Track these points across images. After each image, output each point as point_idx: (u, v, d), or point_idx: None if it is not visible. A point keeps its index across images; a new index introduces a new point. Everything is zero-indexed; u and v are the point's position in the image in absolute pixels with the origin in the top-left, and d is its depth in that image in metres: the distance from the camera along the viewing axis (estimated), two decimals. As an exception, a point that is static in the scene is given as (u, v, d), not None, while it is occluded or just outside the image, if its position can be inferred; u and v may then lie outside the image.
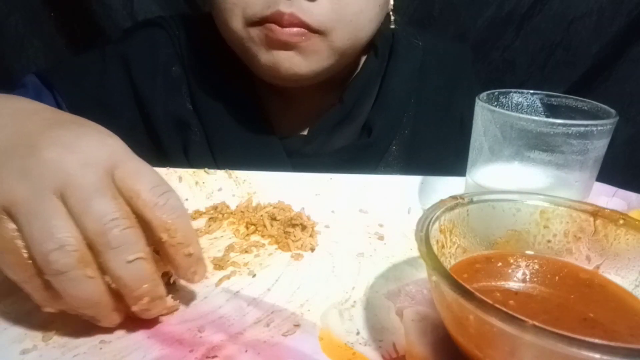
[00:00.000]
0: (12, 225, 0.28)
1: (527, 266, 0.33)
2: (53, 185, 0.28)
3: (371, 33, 0.58)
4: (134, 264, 0.28)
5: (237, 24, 0.54)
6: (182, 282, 0.36)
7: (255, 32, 0.53)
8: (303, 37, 0.52)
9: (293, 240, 0.41)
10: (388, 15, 0.62)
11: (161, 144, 0.62)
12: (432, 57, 0.69)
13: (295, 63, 0.54)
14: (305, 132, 0.65)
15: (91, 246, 0.28)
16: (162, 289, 0.30)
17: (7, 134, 0.30)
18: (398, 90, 0.66)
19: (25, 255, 0.28)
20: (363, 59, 0.66)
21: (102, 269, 0.29)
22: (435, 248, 0.28)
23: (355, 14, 0.54)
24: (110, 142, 0.31)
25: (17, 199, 0.28)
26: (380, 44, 0.65)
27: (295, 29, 0.51)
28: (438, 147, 0.67)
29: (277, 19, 0.51)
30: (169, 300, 0.32)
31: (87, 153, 0.29)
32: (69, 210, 0.28)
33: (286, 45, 0.53)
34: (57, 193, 0.28)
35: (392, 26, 0.64)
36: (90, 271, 0.28)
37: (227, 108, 0.62)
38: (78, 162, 0.29)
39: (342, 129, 0.64)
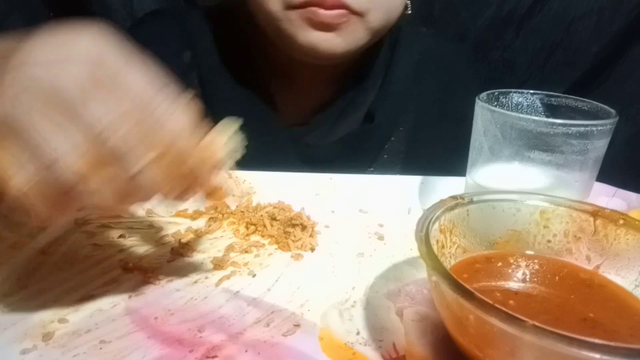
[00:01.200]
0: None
1: (527, 266, 0.33)
2: (36, 99, 0.25)
3: (398, 15, 0.59)
4: (143, 173, 0.26)
5: (275, 6, 0.54)
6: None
7: (294, 14, 0.54)
8: (344, 19, 0.53)
9: (293, 240, 0.41)
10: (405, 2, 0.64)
11: None
12: (431, 54, 0.70)
13: (334, 44, 0.55)
14: (308, 121, 0.66)
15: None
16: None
17: None
18: (401, 81, 0.68)
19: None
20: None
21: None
22: (435, 248, 0.28)
23: None
24: (90, 34, 0.27)
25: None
26: (389, 36, 0.66)
27: (337, 11, 0.53)
28: (437, 143, 0.68)
29: (320, 1, 0.52)
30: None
31: (65, 52, 0.26)
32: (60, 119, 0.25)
33: (327, 27, 0.54)
34: (44, 105, 0.25)
35: (409, 11, 0.65)
36: (95, 180, 0.26)
37: (235, 96, 0.63)
38: (54, 66, 0.26)
39: (345, 118, 0.65)
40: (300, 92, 0.66)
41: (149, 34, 0.65)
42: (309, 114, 0.66)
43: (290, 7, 0.54)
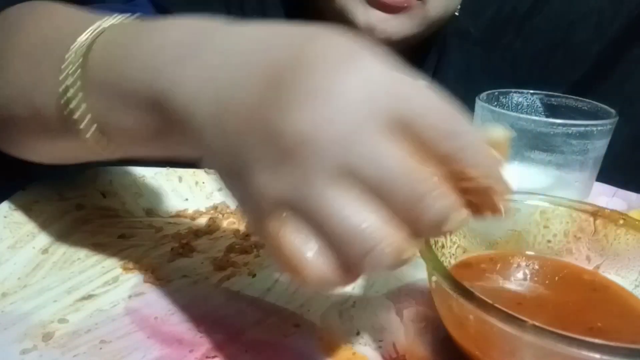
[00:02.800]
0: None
1: (527, 266, 0.33)
2: (328, 169, 0.20)
3: (455, 10, 0.59)
4: (452, 223, 0.22)
5: None
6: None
7: None
8: (406, 5, 0.53)
9: (293, 240, 0.41)
10: None
11: None
12: (478, 63, 0.70)
13: (390, 25, 0.54)
14: None
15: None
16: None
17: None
18: (451, 87, 0.65)
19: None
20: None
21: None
22: (435, 248, 0.28)
23: None
24: (359, 77, 0.20)
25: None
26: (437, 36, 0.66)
27: None
28: None
29: None
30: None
31: (350, 111, 0.20)
32: (363, 188, 0.20)
33: (389, 9, 0.54)
34: (338, 178, 0.20)
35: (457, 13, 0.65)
36: (408, 252, 0.21)
37: None
38: (343, 132, 0.20)
39: None
40: None
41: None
42: None
43: None
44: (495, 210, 0.23)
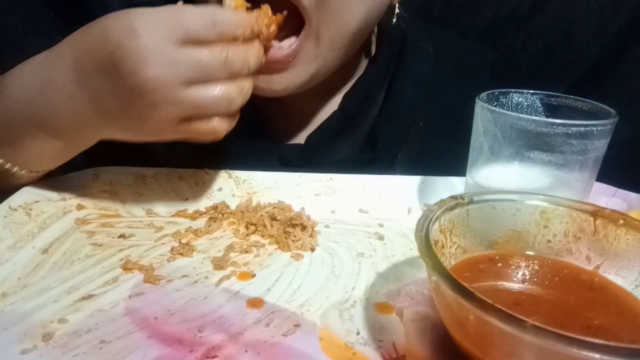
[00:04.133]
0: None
1: (527, 266, 0.33)
2: (177, 86, 0.36)
3: (364, 22, 0.50)
4: (254, 61, 0.39)
5: None
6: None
7: None
8: (291, 58, 0.48)
9: (293, 240, 0.41)
10: (392, 7, 0.57)
11: (150, 146, 0.58)
12: (447, 59, 0.63)
13: (276, 83, 0.50)
14: (303, 139, 0.59)
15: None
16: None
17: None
18: (407, 97, 0.60)
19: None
20: (366, 61, 0.61)
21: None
22: (435, 248, 0.28)
23: None
24: (143, 30, 0.36)
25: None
26: (389, 44, 0.60)
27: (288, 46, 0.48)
28: (448, 158, 0.57)
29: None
30: None
31: (155, 51, 0.36)
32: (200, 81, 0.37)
33: (272, 68, 0.49)
34: (185, 84, 0.37)
35: (395, 20, 0.59)
36: (246, 84, 0.40)
37: None
38: (162, 63, 0.36)
39: (343, 139, 0.58)
40: (289, 110, 0.59)
41: None
42: (303, 133, 0.59)
43: None
44: (269, 38, 0.41)
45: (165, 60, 0.36)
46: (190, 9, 0.38)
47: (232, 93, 0.38)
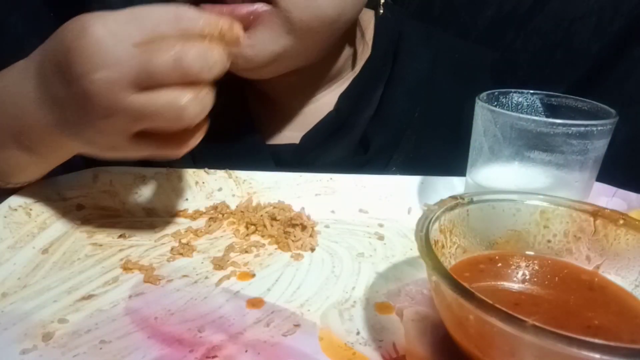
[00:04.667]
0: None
1: (527, 266, 0.33)
2: (122, 91, 0.32)
3: (341, 8, 0.48)
4: (215, 62, 0.34)
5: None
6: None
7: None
8: (252, 16, 0.45)
9: (293, 240, 0.41)
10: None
11: None
12: (445, 59, 0.62)
13: (249, 47, 0.46)
14: (297, 140, 0.58)
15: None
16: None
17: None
18: (402, 100, 0.59)
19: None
20: (358, 60, 0.61)
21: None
22: (435, 248, 0.28)
23: None
24: (97, 29, 0.32)
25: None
26: (384, 45, 0.60)
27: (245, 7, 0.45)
28: (444, 157, 0.57)
29: None
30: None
31: (104, 52, 0.32)
32: (149, 87, 0.32)
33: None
34: (132, 90, 0.32)
35: (382, 11, 0.58)
36: (203, 91, 0.34)
37: (212, 112, 0.54)
38: (110, 64, 0.32)
39: (337, 141, 0.58)
40: (282, 109, 0.59)
41: None
42: (296, 133, 0.58)
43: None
44: (236, 43, 0.37)
45: (113, 60, 0.32)
46: (152, 6, 0.34)
47: (183, 100, 0.33)
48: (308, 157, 0.57)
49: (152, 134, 0.35)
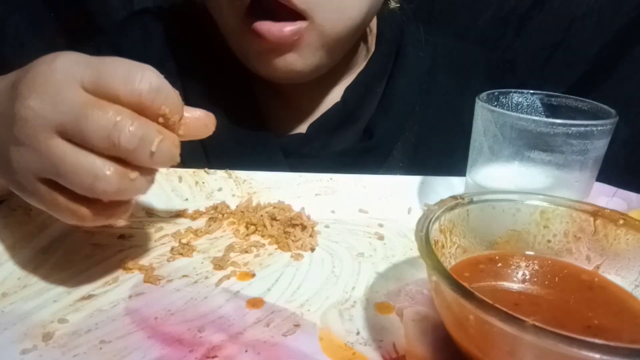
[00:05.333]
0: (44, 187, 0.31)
1: (527, 266, 0.33)
2: (48, 130, 0.29)
3: (366, 14, 0.53)
4: (159, 150, 0.30)
5: (231, 19, 0.51)
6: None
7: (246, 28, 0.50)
8: (296, 37, 0.49)
9: (293, 240, 0.41)
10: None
11: None
12: (444, 59, 0.66)
13: (290, 62, 0.52)
14: (304, 132, 0.62)
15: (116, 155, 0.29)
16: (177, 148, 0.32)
17: None
18: (404, 92, 0.63)
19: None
20: (363, 54, 0.64)
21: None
22: (435, 248, 0.28)
23: None
24: (60, 61, 0.30)
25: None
26: (387, 42, 0.63)
27: (287, 28, 0.49)
28: (444, 153, 0.62)
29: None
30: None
31: (52, 85, 0.29)
32: (75, 141, 0.29)
33: (277, 44, 0.51)
34: (57, 134, 0.29)
35: (392, 5, 0.61)
36: (132, 174, 0.30)
37: (222, 105, 0.57)
38: (50, 98, 0.29)
39: (343, 131, 0.61)
40: (291, 102, 0.62)
41: (132, 37, 0.62)
42: (303, 125, 0.62)
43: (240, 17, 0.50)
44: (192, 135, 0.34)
45: (55, 96, 0.29)
46: (126, 61, 0.31)
47: (101, 172, 0.29)
48: (315, 146, 0.60)
49: (54, 183, 0.31)
